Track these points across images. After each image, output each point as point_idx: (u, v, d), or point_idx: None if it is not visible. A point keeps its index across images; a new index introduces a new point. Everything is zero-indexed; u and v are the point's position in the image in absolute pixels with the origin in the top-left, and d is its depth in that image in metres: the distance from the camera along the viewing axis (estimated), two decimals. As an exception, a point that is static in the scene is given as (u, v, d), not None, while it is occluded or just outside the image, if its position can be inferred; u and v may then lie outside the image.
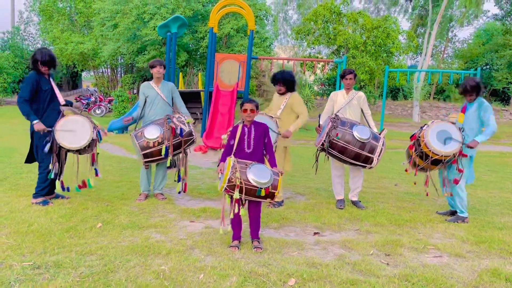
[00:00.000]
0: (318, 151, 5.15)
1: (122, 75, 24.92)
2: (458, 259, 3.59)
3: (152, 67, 5.19)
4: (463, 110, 4.86)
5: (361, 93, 5.33)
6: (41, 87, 4.73)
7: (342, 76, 5.33)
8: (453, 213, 4.98)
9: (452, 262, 3.52)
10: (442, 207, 5.36)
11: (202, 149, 9.88)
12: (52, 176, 4.70)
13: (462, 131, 4.61)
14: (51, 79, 4.87)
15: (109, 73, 25.08)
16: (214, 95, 11.42)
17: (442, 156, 4.53)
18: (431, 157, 4.59)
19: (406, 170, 5.05)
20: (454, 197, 4.84)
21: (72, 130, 4.59)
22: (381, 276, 3.17)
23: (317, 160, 5.21)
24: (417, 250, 3.79)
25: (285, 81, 5.18)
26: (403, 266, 3.40)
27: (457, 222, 4.70)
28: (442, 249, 3.82)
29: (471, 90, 4.74)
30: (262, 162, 3.77)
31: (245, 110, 3.73)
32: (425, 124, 4.77)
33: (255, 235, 3.76)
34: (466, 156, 4.65)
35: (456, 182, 4.70)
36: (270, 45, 20.73)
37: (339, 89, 13.61)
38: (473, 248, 3.87)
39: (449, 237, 4.21)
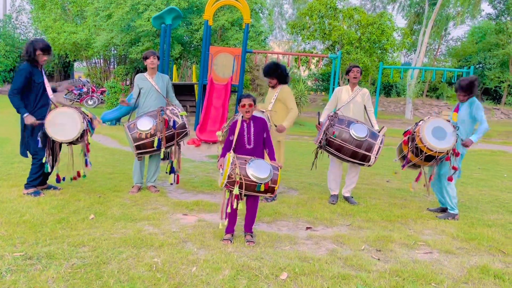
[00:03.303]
0: (317, 149, 5.17)
1: (115, 66, 24.71)
2: (448, 256, 3.64)
3: (145, 58, 5.15)
4: (456, 110, 4.89)
5: (365, 90, 5.31)
6: (34, 80, 4.64)
7: (348, 71, 5.31)
8: (443, 210, 5.03)
9: (442, 258, 3.57)
10: (433, 204, 5.42)
11: (195, 142, 9.86)
12: (49, 170, 4.68)
13: (457, 129, 4.65)
14: (43, 72, 4.78)
15: (101, 64, 24.86)
16: (208, 88, 11.38)
17: (436, 152, 4.55)
18: (425, 153, 4.61)
19: (395, 173, 5.08)
20: (444, 195, 4.89)
21: (62, 123, 4.56)
22: (372, 271, 3.20)
23: (316, 158, 5.23)
24: (407, 246, 3.83)
25: (275, 74, 5.19)
26: (394, 261, 3.44)
27: (448, 219, 4.75)
28: (432, 245, 3.86)
29: (465, 88, 4.76)
30: (263, 157, 3.78)
31: (244, 105, 3.72)
32: (421, 120, 4.79)
33: (248, 229, 3.77)
34: (458, 155, 4.69)
35: (451, 179, 4.74)
36: (265, 39, 20.68)
37: (333, 85, 13.68)
38: (463, 245, 3.92)
39: (439, 233, 4.26)
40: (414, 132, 4.73)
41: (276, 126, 5.11)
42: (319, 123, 5.23)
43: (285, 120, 5.16)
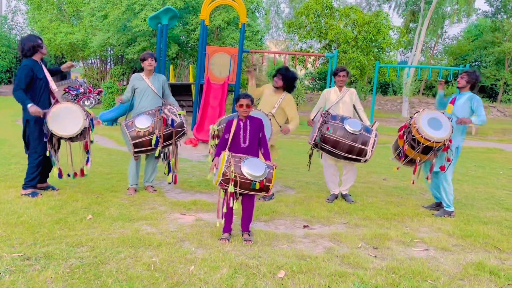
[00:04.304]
0: (312, 148, 5.18)
1: (112, 66, 24.66)
2: (444, 253, 3.67)
3: (143, 60, 5.14)
4: (452, 102, 4.93)
5: (352, 90, 5.38)
6: (37, 75, 4.65)
7: (335, 74, 5.35)
8: (438, 204, 5.06)
9: (438, 255, 3.60)
10: (429, 201, 5.44)
11: (193, 142, 9.87)
12: (56, 164, 4.67)
13: (451, 121, 4.67)
14: (43, 67, 4.76)
15: (98, 64, 24.81)
16: (205, 88, 11.38)
17: (433, 142, 4.52)
18: (423, 144, 4.57)
19: (397, 168, 5.07)
20: (440, 191, 4.91)
21: (64, 118, 4.55)
22: (369, 268, 3.22)
23: (310, 158, 5.24)
24: (404, 243, 3.86)
25: (287, 79, 5.20)
26: (391, 259, 3.46)
27: (444, 216, 4.78)
28: (428, 243, 3.89)
29: (470, 73, 4.85)
30: (257, 156, 3.79)
31: (241, 106, 3.72)
32: (416, 112, 4.80)
33: (246, 227, 3.79)
34: (450, 147, 4.71)
35: (443, 169, 4.75)
36: (261, 38, 20.69)
37: (330, 84, 13.70)
38: (459, 242, 3.95)
39: (435, 231, 4.29)
40: (410, 125, 4.73)
41: (280, 126, 5.14)
42: (312, 119, 5.26)
43: (290, 124, 5.23)
